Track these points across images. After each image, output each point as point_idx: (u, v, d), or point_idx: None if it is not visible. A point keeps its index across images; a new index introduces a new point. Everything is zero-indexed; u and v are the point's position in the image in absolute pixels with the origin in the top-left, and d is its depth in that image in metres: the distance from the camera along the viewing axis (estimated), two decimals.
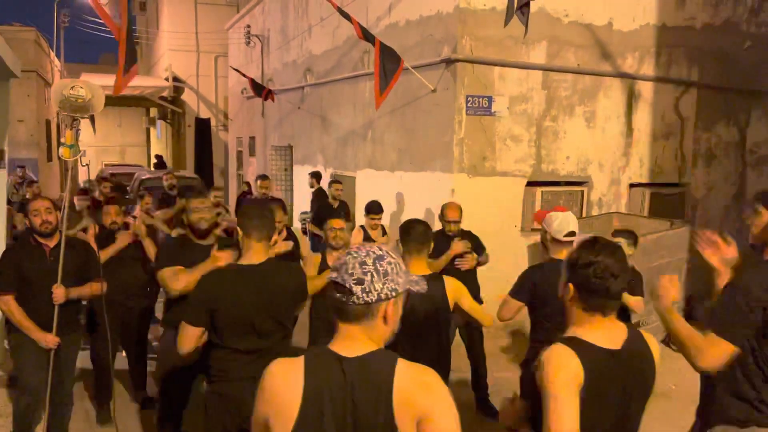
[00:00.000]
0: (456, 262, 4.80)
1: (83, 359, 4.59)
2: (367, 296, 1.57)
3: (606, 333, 1.97)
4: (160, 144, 27.69)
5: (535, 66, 7.07)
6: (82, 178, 23.14)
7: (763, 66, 8.50)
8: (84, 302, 4.35)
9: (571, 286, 2.00)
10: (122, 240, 4.78)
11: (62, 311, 3.78)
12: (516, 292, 3.45)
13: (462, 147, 6.83)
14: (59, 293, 3.73)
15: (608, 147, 7.66)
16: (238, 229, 2.93)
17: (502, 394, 4.49)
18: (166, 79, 21.18)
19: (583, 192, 7.63)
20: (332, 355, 1.60)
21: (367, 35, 6.86)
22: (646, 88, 7.77)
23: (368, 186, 8.84)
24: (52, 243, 3.86)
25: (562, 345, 1.92)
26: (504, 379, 5.15)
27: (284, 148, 12.93)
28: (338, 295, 1.59)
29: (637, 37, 7.60)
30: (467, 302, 3.25)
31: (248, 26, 14.56)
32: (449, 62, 6.80)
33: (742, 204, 8.76)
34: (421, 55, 7.31)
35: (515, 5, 5.65)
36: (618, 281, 1.93)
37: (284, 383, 1.60)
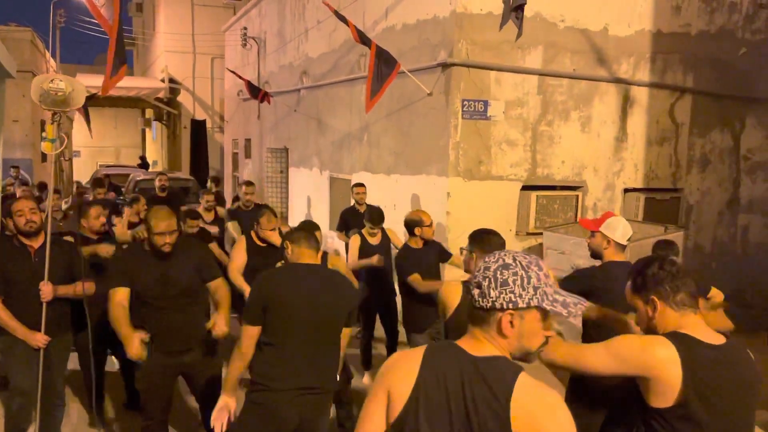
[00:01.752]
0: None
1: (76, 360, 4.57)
2: (482, 301, 1.55)
3: (702, 328, 1.99)
4: (155, 145, 27.64)
5: (530, 71, 7.09)
6: (77, 177, 23.08)
7: (757, 73, 8.54)
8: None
9: (655, 298, 2.04)
10: (102, 249, 4.65)
11: (51, 311, 3.76)
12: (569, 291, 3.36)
13: (458, 151, 6.84)
14: (47, 290, 3.70)
15: (603, 152, 7.68)
16: (287, 243, 3.12)
17: None
18: (162, 81, 21.16)
19: (577, 197, 7.65)
20: (455, 348, 1.59)
21: (363, 39, 6.86)
22: (641, 94, 7.81)
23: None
24: (36, 244, 3.83)
25: (660, 337, 1.93)
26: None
27: (280, 151, 12.92)
28: (468, 294, 1.61)
29: (633, 42, 7.63)
30: None
31: (245, 28, 14.56)
32: (445, 66, 6.81)
33: (736, 210, 8.80)
34: (417, 59, 7.32)
35: (511, 7, 5.66)
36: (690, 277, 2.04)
37: (401, 366, 1.61)
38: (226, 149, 17.93)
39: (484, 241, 3.12)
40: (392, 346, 5.66)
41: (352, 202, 7.35)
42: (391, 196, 7.97)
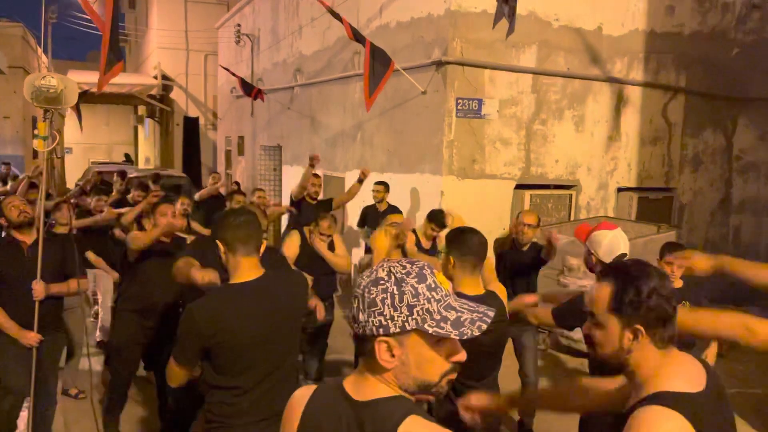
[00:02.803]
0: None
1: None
2: (355, 327, 1.28)
3: (686, 370, 1.54)
4: (148, 142, 27.52)
5: (525, 69, 7.09)
6: (69, 174, 22.96)
7: (750, 73, 8.58)
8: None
9: (641, 328, 1.52)
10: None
11: (44, 309, 3.73)
12: (562, 318, 2.97)
13: (451, 149, 6.83)
14: (39, 289, 3.67)
15: (597, 151, 7.70)
16: (220, 244, 2.40)
17: (543, 422, 4.40)
18: (155, 77, 21.04)
19: (571, 196, 7.66)
20: (338, 391, 1.34)
21: (357, 36, 6.84)
22: (634, 93, 7.83)
23: None
24: (29, 239, 3.80)
25: (662, 408, 1.43)
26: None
27: (273, 148, 12.88)
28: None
29: (626, 42, 7.65)
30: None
31: (238, 25, 14.50)
32: (439, 64, 6.80)
33: (729, 210, 8.85)
34: (411, 57, 7.31)
35: (505, 7, 5.66)
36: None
37: (287, 416, 1.42)
38: (219, 147, 17.87)
39: (460, 241, 2.77)
40: None
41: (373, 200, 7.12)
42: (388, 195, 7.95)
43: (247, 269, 2.39)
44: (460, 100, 6.77)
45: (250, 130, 14.23)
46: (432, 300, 1.22)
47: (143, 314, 4.10)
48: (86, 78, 14.50)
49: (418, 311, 1.21)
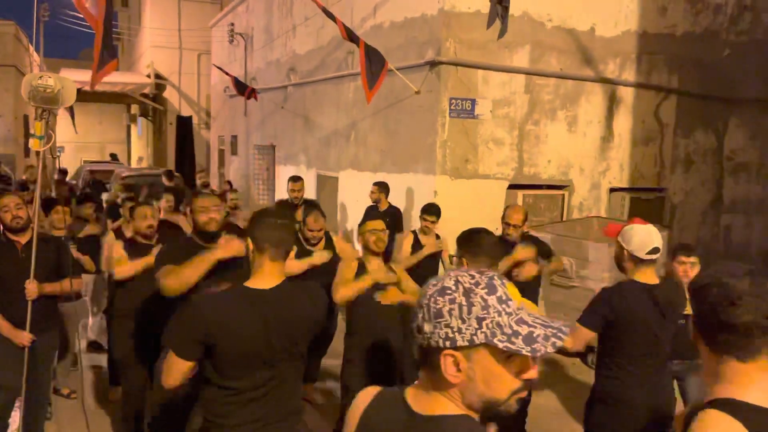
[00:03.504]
0: (513, 272, 4.15)
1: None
2: (420, 338, 1.20)
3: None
4: (140, 141, 27.41)
5: (518, 70, 7.11)
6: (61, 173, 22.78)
7: (741, 74, 8.64)
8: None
9: (733, 361, 1.42)
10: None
11: (37, 309, 3.72)
12: (588, 320, 2.91)
13: (445, 149, 6.85)
14: (32, 288, 3.67)
15: (589, 151, 7.73)
16: (249, 241, 2.35)
17: (539, 422, 4.37)
18: (148, 76, 20.99)
19: (563, 196, 7.69)
20: (399, 400, 1.26)
21: (351, 36, 6.85)
22: (627, 94, 7.87)
23: (351, 187, 8.83)
24: (24, 239, 3.79)
25: (718, 413, 1.35)
26: (540, 406, 4.71)
27: (267, 148, 12.87)
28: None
29: (619, 43, 7.69)
30: None
31: (232, 24, 14.47)
32: (433, 64, 6.82)
33: (720, 210, 8.90)
34: (405, 57, 7.32)
35: (498, 8, 5.68)
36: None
37: (352, 413, 1.36)
38: (213, 146, 17.83)
39: (472, 242, 2.70)
40: None
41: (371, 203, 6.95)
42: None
43: (268, 274, 2.32)
44: (453, 100, 6.79)
45: (243, 129, 14.21)
46: (503, 313, 1.14)
47: (138, 319, 4.05)
48: (79, 76, 14.44)
49: (487, 324, 1.13)
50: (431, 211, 5.38)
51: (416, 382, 1.26)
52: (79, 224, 5.74)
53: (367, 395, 1.36)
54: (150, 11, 21.20)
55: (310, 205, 5.24)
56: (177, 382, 2.29)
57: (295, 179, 6.85)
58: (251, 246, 2.33)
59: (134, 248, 4.12)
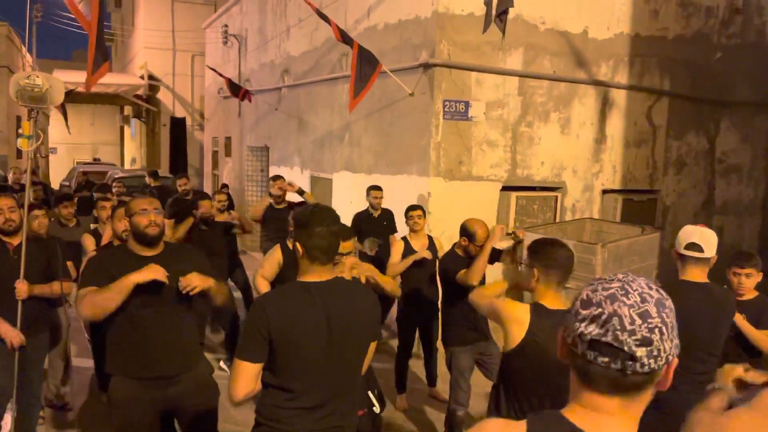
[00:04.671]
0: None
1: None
2: (655, 362, 1.07)
3: None
4: (134, 143, 27.33)
5: (511, 72, 7.14)
6: (54, 174, 22.75)
7: (732, 77, 8.70)
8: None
9: None
10: None
11: (28, 310, 3.71)
12: None
13: (438, 151, 6.87)
14: (22, 288, 3.66)
15: (582, 153, 7.77)
16: (298, 246, 2.32)
17: None
18: (142, 77, 20.93)
19: (557, 197, 7.72)
20: (569, 428, 1.13)
21: (345, 38, 6.86)
22: (619, 96, 7.91)
23: (345, 188, 8.83)
24: (15, 241, 3.79)
25: None
26: None
27: (261, 149, 12.86)
28: (606, 361, 1.08)
29: (612, 45, 7.73)
30: None
31: (226, 26, 14.46)
32: (427, 66, 6.84)
33: (711, 211, 8.96)
34: (399, 59, 7.34)
35: (494, 12, 5.71)
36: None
37: None
38: (206, 147, 17.80)
39: (547, 255, 2.56)
40: (431, 364, 5.37)
41: (365, 205, 6.78)
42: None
43: (318, 273, 2.32)
44: (447, 102, 6.81)
45: (237, 130, 14.20)
46: None
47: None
48: (72, 77, 14.40)
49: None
50: (414, 206, 5.41)
51: (573, 404, 1.16)
52: (56, 226, 5.69)
53: (512, 427, 1.21)
54: (143, 12, 21.15)
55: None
56: (246, 390, 2.20)
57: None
58: (301, 251, 2.32)
59: None
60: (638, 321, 1.06)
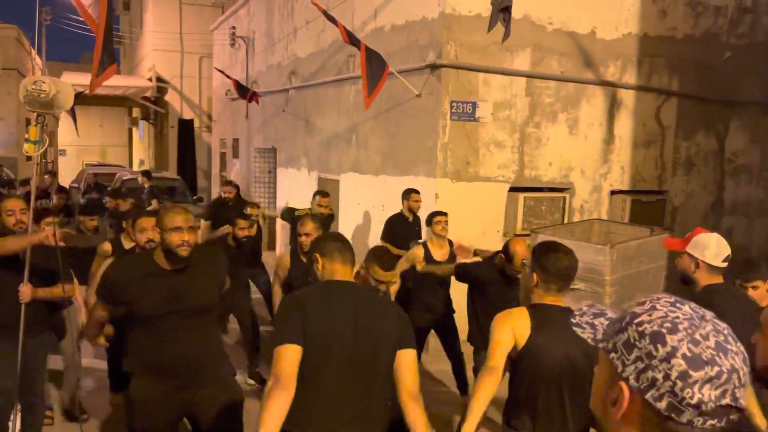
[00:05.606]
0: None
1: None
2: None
3: None
4: (142, 145, 27.46)
5: (518, 73, 7.12)
6: (62, 176, 22.88)
7: (742, 77, 8.64)
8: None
9: None
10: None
11: (31, 311, 3.73)
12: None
13: (446, 152, 6.85)
14: (25, 291, 3.68)
15: (590, 154, 7.73)
16: (318, 256, 2.51)
17: None
18: (150, 80, 21.03)
19: (564, 198, 7.69)
20: None
21: (352, 39, 6.86)
22: (627, 97, 7.87)
23: (352, 190, 8.83)
24: None
25: None
26: None
27: (268, 151, 12.88)
28: (714, 423, 0.92)
29: (620, 46, 7.69)
30: None
31: (233, 28, 14.50)
32: (434, 67, 6.83)
33: (721, 212, 8.90)
34: (406, 60, 7.33)
35: (498, 10, 5.69)
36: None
37: None
38: (214, 149, 17.85)
39: (547, 262, 2.51)
40: (459, 371, 5.07)
41: (400, 208, 6.50)
42: (379, 196, 7.97)
43: (342, 275, 2.47)
44: (454, 103, 6.80)
45: (244, 132, 14.23)
46: None
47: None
48: (80, 80, 14.47)
49: None
50: (440, 212, 5.30)
51: None
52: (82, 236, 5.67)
53: None
54: (151, 15, 21.25)
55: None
56: (292, 379, 2.15)
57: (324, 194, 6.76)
58: (320, 261, 2.49)
59: None
60: (746, 368, 0.93)
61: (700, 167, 8.66)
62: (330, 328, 2.27)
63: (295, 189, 11.20)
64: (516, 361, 2.54)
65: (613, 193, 8.01)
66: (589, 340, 1.11)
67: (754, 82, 8.73)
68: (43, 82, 3.68)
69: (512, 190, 7.30)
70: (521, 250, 4.17)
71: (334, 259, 2.45)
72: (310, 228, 4.46)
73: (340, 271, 2.45)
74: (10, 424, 3.86)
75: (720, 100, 8.55)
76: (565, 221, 7.58)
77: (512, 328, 2.50)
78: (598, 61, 7.58)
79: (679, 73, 8.20)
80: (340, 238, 2.59)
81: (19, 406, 3.77)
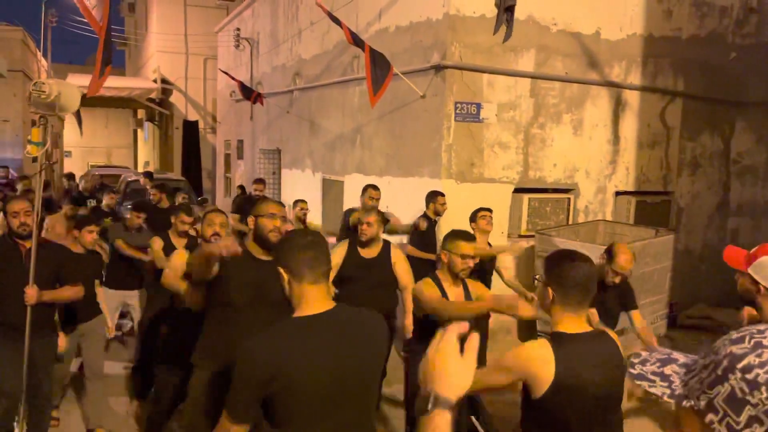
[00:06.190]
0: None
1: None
2: None
3: None
4: (147, 146, 27.53)
5: (523, 74, 7.11)
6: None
7: (747, 77, 8.61)
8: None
9: None
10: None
11: (36, 313, 3.74)
12: None
13: (450, 153, 6.85)
14: (31, 294, 3.69)
15: (595, 155, 7.71)
16: (282, 271, 2.07)
17: None
18: (155, 81, 21.07)
19: (569, 199, 7.67)
20: None
21: (356, 40, 6.87)
22: (632, 97, 7.85)
23: (356, 191, 8.82)
24: (29, 244, 3.81)
25: None
26: None
27: (272, 152, 12.90)
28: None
29: (624, 46, 7.68)
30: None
31: (238, 29, 14.53)
32: (438, 68, 6.83)
33: (726, 213, 8.87)
34: (410, 61, 7.33)
35: (503, 11, 5.68)
36: None
37: None
38: (219, 150, 17.88)
39: (563, 272, 2.21)
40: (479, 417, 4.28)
41: (425, 210, 6.30)
42: (384, 198, 7.96)
43: (314, 299, 2.03)
44: (458, 104, 6.79)
45: (249, 133, 14.25)
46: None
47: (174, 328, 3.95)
48: (85, 81, 14.51)
49: None
50: (485, 208, 5.27)
51: None
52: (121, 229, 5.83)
53: None
54: (156, 17, 21.30)
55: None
56: None
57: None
58: (286, 276, 2.05)
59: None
60: None
61: (705, 168, 8.63)
62: (305, 384, 1.92)
63: (300, 190, 11.21)
64: (536, 403, 2.19)
65: (618, 194, 7.99)
66: (664, 397, 0.89)
67: (760, 82, 8.69)
68: (44, 83, 3.67)
69: (517, 191, 7.29)
70: (624, 254, 3.96)
71: (303, 277, 2.02)
72: (373, 218, 4.46)
73: (311, 294, 2.02)
74: (16, 425, 3.88)
75: (725, 101, 8.52)
76: (570, 222, 7.57)
77: (537, 352, 2.17)
78: (603, 62, 7.56)
79: (684, 73, 8.18)
80: (311, 242, 2.09)
81: (24, 408, 3.79)
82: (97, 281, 4.71)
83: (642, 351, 0.95)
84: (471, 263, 3.50)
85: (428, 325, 3.42)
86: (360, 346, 2.03)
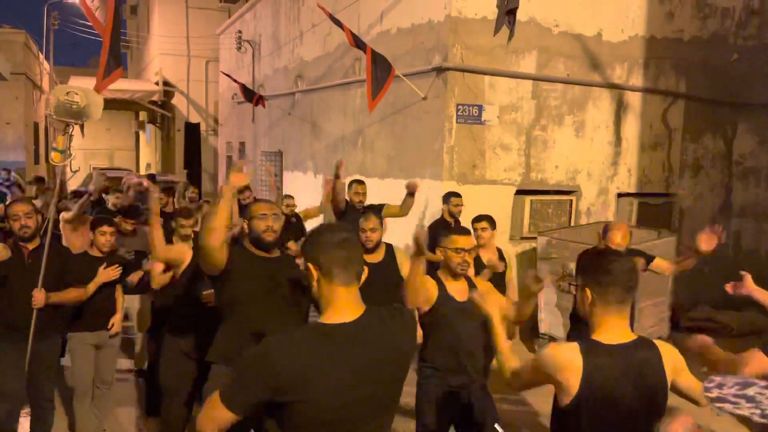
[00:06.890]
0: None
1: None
2: None
3: None
4: (149, 148, 27.57)
5: (525, 75, 7.11)
6: (70, 180, 22.97)
7: (749, 78, 8.60)
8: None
9: None
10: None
11: (40, 315, 3.75)
12: None
13: (452, 155, 6.85)
14: (39, 297, 3.69)
15: (597, 157, 7.71)
16: (312, 269, 1.86)
17: None
18: (157, 83, 21.09)
19: (571, 201, 7.67)
20: None
21: (358, 43, 6.87)
22: (634, 99, 7.84)
23: None
24: (31, 246, 3.83)
25: None
26: None
27: (274, 154, 12.91)
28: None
29: (626, 48, 7.67)
30: (685, 379, 2.11)
31: (239, 31, 14.55)
32: (440, 70, 6.83)
33: (729, 215, 8.85)
34: (412, 63, 7.34)
35: (504, 14, 5.69)
36: None
37: None
38: (220, 152, 17.90)
39: (599, 269, 2.07)
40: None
41: (442, 213, 6.22)
42: (385, 200, 7.95)
43: (344, 303, 1.84)
44: (460, 106, 6.79)
45: (251, 135, 14.27)
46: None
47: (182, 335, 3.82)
48: (87, 83, 14.52)
49: None
50: (479, 218, 5.04)
51: None
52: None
53: None
54: (158, 19, 21.34)
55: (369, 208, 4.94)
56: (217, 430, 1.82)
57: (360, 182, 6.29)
58: (315, 274, 1.86)
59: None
60: None
61: (707, 169, 8.62)
62: (324, 400, 1.76)
63: (302, 192, 11.21)
64: (564, 410, 2.08)
65: (620, 195, 7.98)
66: (753, 417, 0.88)
67: (762, 84, 8.68)
68: (76, 93, 3.81)
69: (519, 192, 7.29)
70: (620, 235, 4.07)
71: (334, 278, 1.83)
72: (374, 223, 4.06)
73: (342, 297, 1.84)
74: (19, 426, 3.88)
75: (727, 102, 8.51)
76: (572, 224, 7.56)
77: (566, 358, 2.04)
78: (605, 64, 7.56)
79: (686, 75, 8.17)
80: (345, 240, 1.89)
81: (28, 410, 3.79)
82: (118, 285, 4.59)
83: (714, 377, 0.89)
84: (467, 257, 3.34)
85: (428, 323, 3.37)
86: (387, 364, 1.87)
